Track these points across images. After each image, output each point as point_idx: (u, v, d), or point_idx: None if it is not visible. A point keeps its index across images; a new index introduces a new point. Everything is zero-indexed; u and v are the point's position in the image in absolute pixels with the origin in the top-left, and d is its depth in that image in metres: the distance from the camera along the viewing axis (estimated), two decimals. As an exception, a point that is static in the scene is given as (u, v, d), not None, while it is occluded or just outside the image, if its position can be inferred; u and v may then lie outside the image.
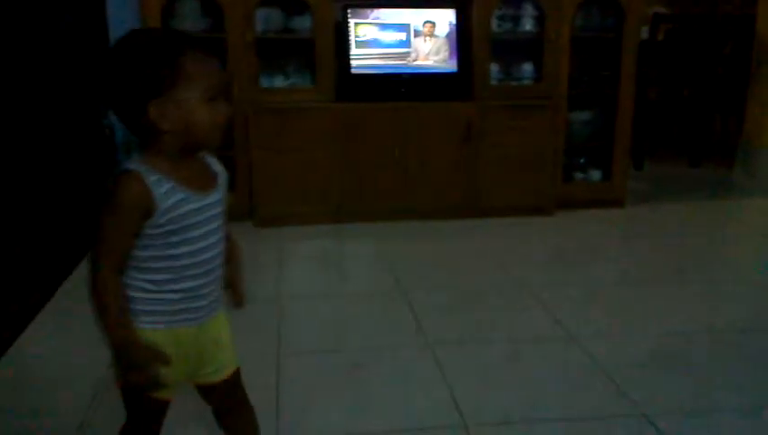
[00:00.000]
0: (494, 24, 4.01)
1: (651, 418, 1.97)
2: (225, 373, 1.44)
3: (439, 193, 3.97)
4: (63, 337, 2.50)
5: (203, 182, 1.22)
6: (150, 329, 1.21)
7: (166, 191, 1.13)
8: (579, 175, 4.33)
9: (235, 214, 3.84)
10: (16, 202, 2.53)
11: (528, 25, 4.09)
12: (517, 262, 3.37)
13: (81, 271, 3.17)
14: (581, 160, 4.36)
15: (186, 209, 1.16)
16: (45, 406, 2.02)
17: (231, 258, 1.43)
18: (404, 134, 3.87)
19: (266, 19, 3.79)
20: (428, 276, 3.16)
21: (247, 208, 3.90)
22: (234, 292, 1.47)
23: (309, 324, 2.65)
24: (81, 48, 3.53)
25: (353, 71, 3.88)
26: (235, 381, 1.47)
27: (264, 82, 3.89)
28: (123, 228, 1.13)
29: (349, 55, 3.86)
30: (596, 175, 4.34)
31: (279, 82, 3.95)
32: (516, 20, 4.09)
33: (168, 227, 1.15)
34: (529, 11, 4.04)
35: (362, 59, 3.89)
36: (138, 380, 1.17)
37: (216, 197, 1.24)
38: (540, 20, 4.03)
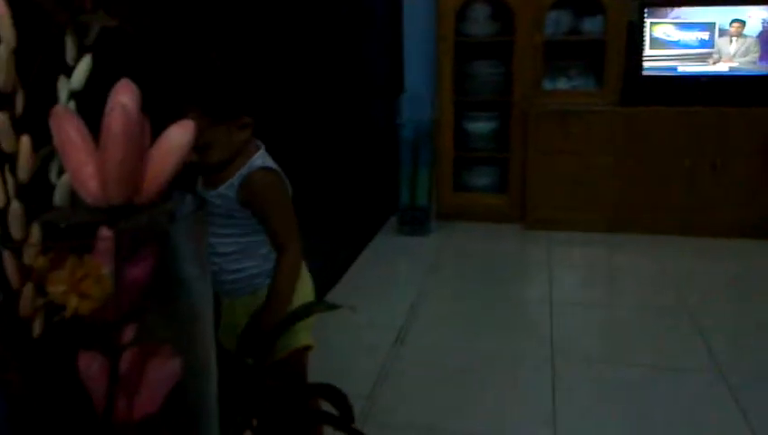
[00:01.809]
0: (821, 20, 3.49)
1: None
2: None
3: (737, 209, 3.57)
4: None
5: (212, 181, 1.45)
6: None
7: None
8: None
9: (506, 215, 3.93)
10: (317, 189, 2.85)
11: None
12: (833, 295, 2.89)
13: (371, 251, 3.47)
14: None
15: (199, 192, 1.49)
16: (341, 369, 2.22)
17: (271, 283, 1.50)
18: (698, 142, 3.55)
19: (556, 21, 3.74)
20: (720, 299, 2.87)
21: (518, 210, 3.90)
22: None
23: (584, 332, 2.57)
24: (380, 48, 3.84)
25: (644, 72, 3.66)
26: None
27: (547, 85, 3.85)
28: None
29: (641, 56, 3.65)
30: None
31: (562, 84, 3.89)
32: None
33: None
34: None
35: (656, 60, 3.65)
36: None
37: (213, 195, 1.43)
38: None
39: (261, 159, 1.45)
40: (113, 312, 0.48)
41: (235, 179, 1.42)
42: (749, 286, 3.01)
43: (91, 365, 0.52)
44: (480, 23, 3.82)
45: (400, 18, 4.15)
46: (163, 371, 0.53)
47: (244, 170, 1.42)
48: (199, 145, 1.37)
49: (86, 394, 0.50)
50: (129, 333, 0.51)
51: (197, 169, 1.46)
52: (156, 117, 0.48)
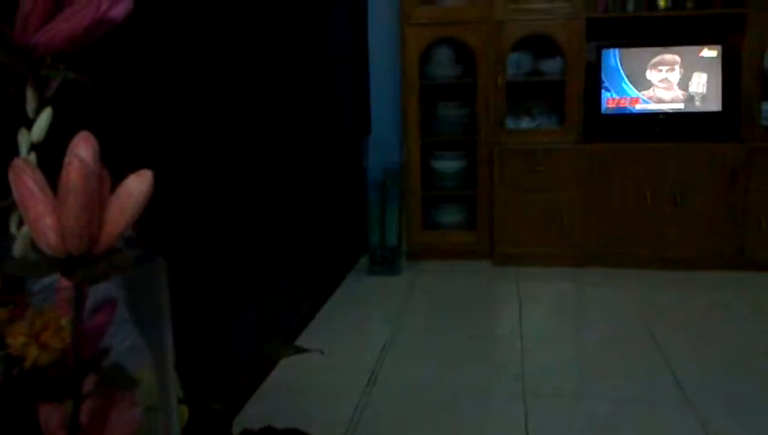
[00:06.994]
0: None
1: None
2: None
3: (697, 241, 3.66)
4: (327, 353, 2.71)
5: None
6: None
7: None
8: None
9: (476, 252, 3.97)
10: (287, 231, 2.85)
11: (810, 59, 3.65)
12: (794, 323, 2.97)
13: (342, 292, 3.46)
14: None
15: None
16: (312, 414, 2.19)
17: None
18: (657, 177, 3.65)
19: (517, 63, 3.85)
20: (686, 330, 2.91)
21: (487, 247, 3.94)
22: None
23: (555, 367, 2.58)
24: (346, 91, 3.89)
25: (604, 111, 3.77)
26: None
27: (511, 124, 3.94)
28: None
29: (599, 96, 3.77)
30: None
31: (525, 123, 3.98)
32: (794, 53, 3.68)
33: None
34: (811, 43, 3.62)
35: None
36: None
37: None
38: (825, 52, 3.58)
39: None
40: (73, 362, 0.48)
41: None
42: (716, 318, 3.07)
43: (51, 417, 0.51)
44: (444, 65, 3.91)
45: (366, 62, 4.23)
46: (125, 419, 0.53)
47: None
48: None
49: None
50: (89, 383, 0.51)
51: None
52: (116, 165, 0.49)
